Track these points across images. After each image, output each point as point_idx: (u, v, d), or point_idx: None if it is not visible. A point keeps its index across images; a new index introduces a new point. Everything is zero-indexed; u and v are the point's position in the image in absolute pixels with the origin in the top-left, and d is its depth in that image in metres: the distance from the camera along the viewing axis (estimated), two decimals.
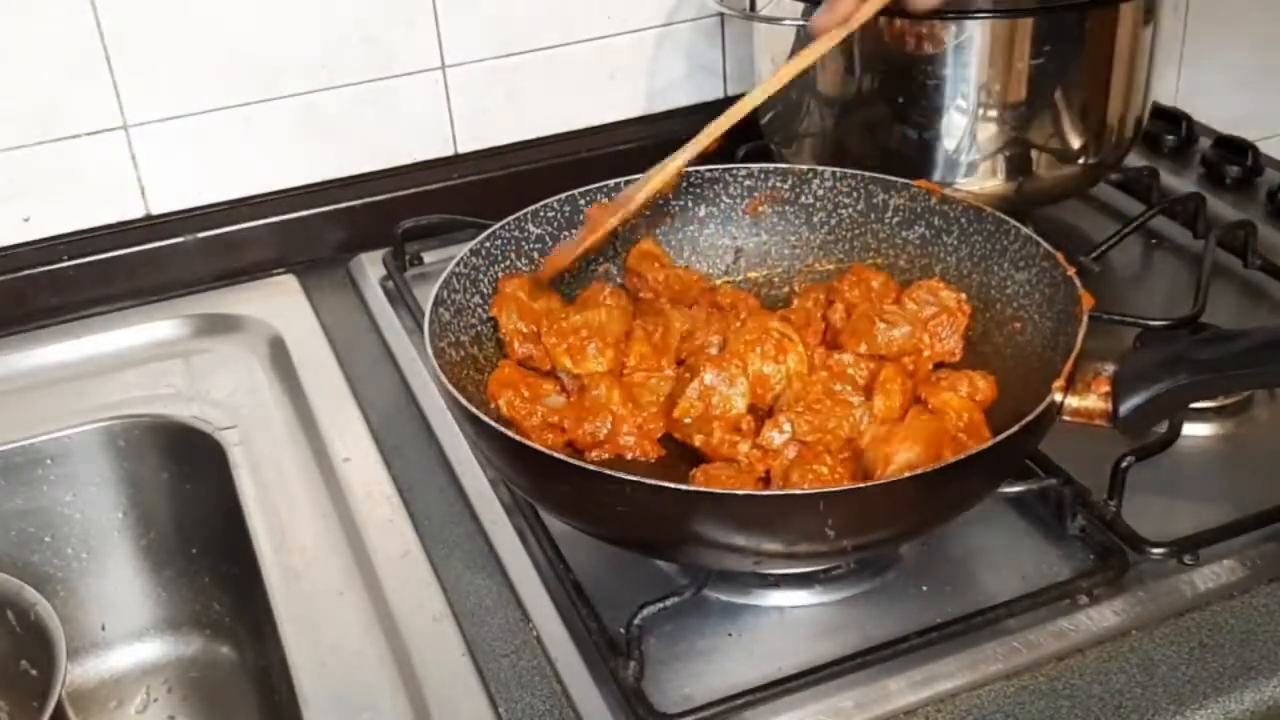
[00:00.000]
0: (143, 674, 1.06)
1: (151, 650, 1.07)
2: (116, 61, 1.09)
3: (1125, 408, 0.77)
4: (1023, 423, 0.74)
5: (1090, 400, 0.77)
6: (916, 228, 0.96)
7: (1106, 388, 0.77)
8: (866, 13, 0.89)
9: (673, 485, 0.73)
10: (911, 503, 0.73)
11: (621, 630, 0.75)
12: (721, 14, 1.27)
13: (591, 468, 0.74)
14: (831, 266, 0.98)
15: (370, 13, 1.16)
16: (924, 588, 0.81)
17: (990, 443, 0.75)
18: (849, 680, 0.75)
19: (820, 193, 0.98)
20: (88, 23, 1.07)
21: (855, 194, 0.97)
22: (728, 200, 1.00)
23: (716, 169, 0.99)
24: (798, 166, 0.99)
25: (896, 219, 0.96)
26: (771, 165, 1.00)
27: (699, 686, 0.75)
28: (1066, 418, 0.78)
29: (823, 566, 0.80)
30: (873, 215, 0.97)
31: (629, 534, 0.78)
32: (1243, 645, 0.76)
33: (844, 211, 0.98)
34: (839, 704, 0.74)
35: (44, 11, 1.06)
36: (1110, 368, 0.78)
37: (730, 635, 0.79)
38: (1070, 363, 0.77)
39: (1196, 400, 0.89)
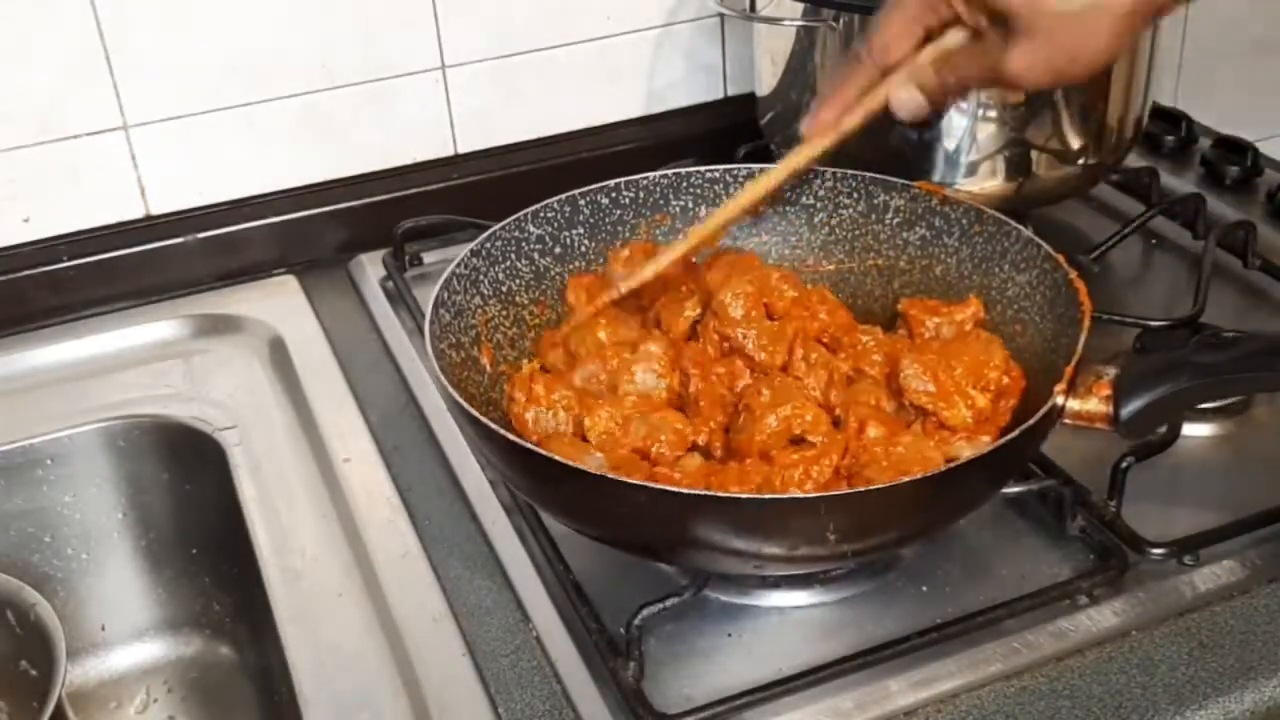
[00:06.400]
0: (143, 674, 1.06)
1: (151, 650, 1.07)
2: (116, 61, 1.09)
3: (1126, 411, 0.77)
4: (1024, 427, 0.74)
5: (1091, 404, 0.77)
6: (917, 229, 0.96)
7: (1107, 391, 0.77)
8: (853, 121, 0.87)
9: (674, 489, 0.73)
10: (912, 507, 0.73)
11: (621, 630, 0.75)
12: (721, 14, 1.27)
13: (593, 471, 0.74)
14: (832, 267, 0.98)
15: (370, 13, 1.15)
16: (924, 588, 0.81)
17: (991, 447, 0.75)
18: (849, 680, 0.75)
19: (821, 193, 0.98)
20: (88, 23, 1.07)
21: (856, 195, 0.97)
22: (728, 200, 1.00)
23: (717, 169, 0.99)
24: None
25: (897, 220, 0.96)
26: (771, 166, 0.99)
27: (699, 687, 0.75)
28: (1067, 421, 0.78)
29: (823, 569, 0.81)
30: (873, 216, 0.97)
31: (630, 537, 0.78)
32: (1243, 645, 0.76)
33: (845, 212, 0.98)
34: (839, 704, 0.74)
35: (44, 12, 1.06)
36: (1111, 371, 0.78)
37: (730, 635, 0.79)
38: (1072, 367, 0.77)
39: (1197, 404, 0.89)
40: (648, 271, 0.91)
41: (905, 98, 0.84)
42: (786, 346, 0.89)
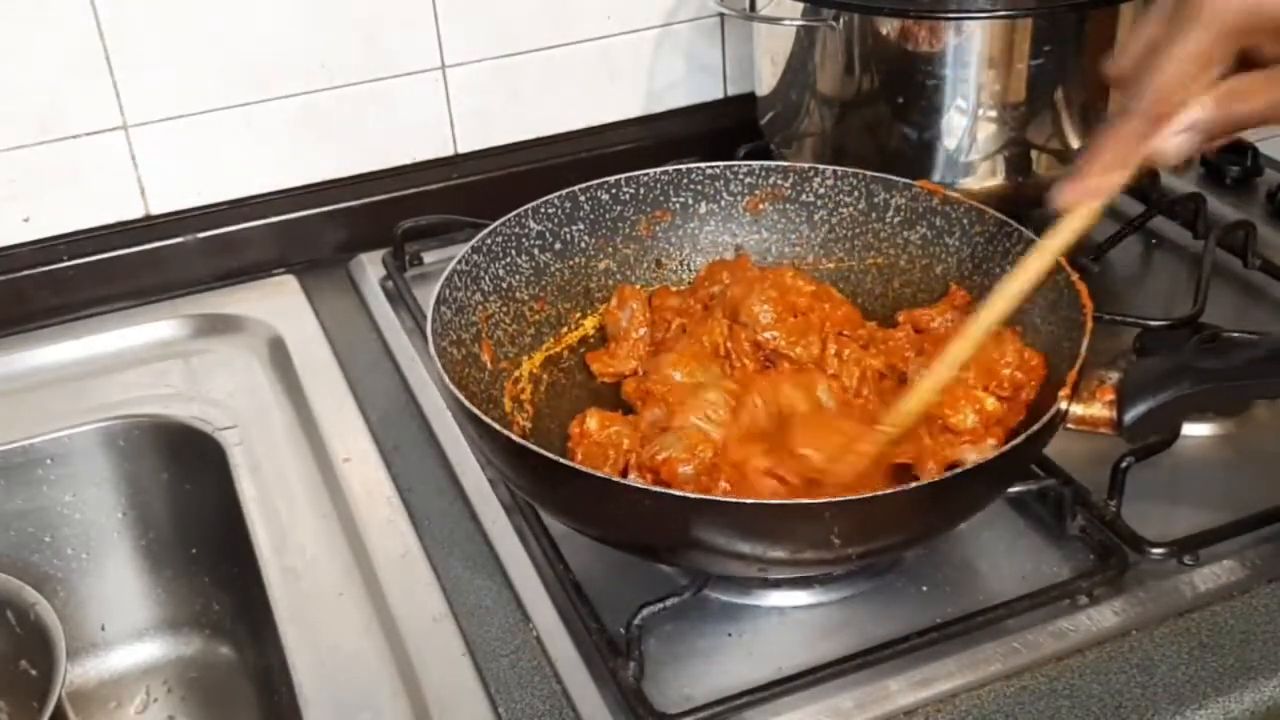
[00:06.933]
0: (143, 674, 1.06)
1: (151, 650, 1.07)
2: (116, 61, 1.09)
3: (1130, 416, 0.77)
4: (1028, 433, 0.73)
5: (1095, 409, 0.77)
6: (918, 228, 0.96)
7: (1111, 396, 0.77)
8: (1121, 180, 0.75)
9: (677, 492, 0.73)
10: (916, 512, 0.73)
11: (621, 630, 0.75)
12: (721, 14, 1.27)
13: (593, 472, 0.74)
14: (832, 265, 0.99)
15: (370, 13, 1.15)
16: (924, 588, 0.81)
17: (995, 454, 0.74)
18: (849, 680, 0.75)
19: (821, 191, 0.98)
20: (88, 23, 1.07)
21: (856, 193, 0.97)
22: (728, 197, 1.00)
23: (717, 166, 0.99)
24: (799, 164, 0.99)
25: (898, 219, 0.96)
26: (773, 163, 0.99)
27: (699, 686, 0.75)
28: (1071, 426, 0.78)
29: (827, 571, 0.80)
30: (874, 214, 0.97)
31: (631, 538, 0.78)
32: (1243, 645, 0.76)
33: (845, 210, 0.98)
34: (839, 704, 0.74)
35: (44, 12, 1.06)
36: (1114, 376, 0.78)
37: (730, 635, 0.79)
38: (1075, 372, 0.77)
39: (1201, 410, 0.89)
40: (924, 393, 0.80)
41: (1181, 142, 0.73)
42: (819, 336, 0.89)
